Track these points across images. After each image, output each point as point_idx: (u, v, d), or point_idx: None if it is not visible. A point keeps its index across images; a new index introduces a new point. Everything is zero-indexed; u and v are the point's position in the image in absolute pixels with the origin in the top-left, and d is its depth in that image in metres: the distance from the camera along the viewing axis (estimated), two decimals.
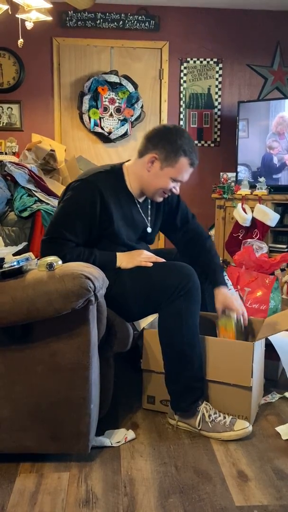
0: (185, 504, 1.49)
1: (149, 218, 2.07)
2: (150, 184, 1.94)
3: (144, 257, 1.93)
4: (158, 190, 1.95)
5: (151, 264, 1.90)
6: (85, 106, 4.64)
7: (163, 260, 1.95)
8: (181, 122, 4.86)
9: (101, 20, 4.60)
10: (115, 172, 1.96)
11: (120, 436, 1.83)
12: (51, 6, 2.91)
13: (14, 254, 1.68)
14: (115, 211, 1.90)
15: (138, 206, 2.02)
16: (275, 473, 1.64)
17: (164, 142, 1.88)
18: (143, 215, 2.04)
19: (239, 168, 4.36)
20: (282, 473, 1.64)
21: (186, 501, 1.50)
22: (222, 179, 4.46)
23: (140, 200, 2.03)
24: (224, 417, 1.86)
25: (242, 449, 1.78)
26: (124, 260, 1.93)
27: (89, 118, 4.67)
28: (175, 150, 1.87)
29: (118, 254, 1.93)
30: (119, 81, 4.63)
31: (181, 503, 1.49)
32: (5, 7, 2.94)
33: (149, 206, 2.07)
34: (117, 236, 1.93)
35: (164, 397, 1.97)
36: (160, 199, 2.01)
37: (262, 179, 4.09)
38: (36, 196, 2.97)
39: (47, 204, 2.93)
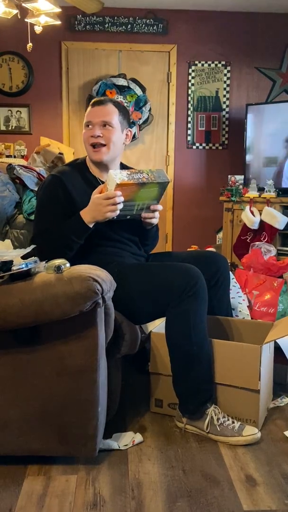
0: (193, 508, 1.48)
1: None
2: None
3: (106, 204, 1.82)
4: (86, 145, 2.02)
5: (118, 213, 1.84)
6: None
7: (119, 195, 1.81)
8: (189, 125, 4.86)
9: (110, 23, 4.62)
10: (79, 163, 2.06)
11: (127, 439, 1.83)
12: (60, 10, 2.93)
13: (23, 257, 1.69)
14: (79, 199, 1.93)
15: None
16: (284, 477, 1.63)
17: None
18: None
19: None
20: None
21: (194, 505, 1.50)
22: (230, 182, 4.45)
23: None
24: (233, 422, 1.84)
25: (250, 453, 1.77)
26: (89, 215, 1.86)
27: None
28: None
29: (81, 213, 1.89)
30: (127, 85, 4.64)
31: (189, 507, 1.49)
32: (14, 11, 2.96)
33: None
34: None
35: (172, 401, 1.96)
36: (94, 155, 2.00)
37: (270, 182, 4.07)
38: None
39: None
